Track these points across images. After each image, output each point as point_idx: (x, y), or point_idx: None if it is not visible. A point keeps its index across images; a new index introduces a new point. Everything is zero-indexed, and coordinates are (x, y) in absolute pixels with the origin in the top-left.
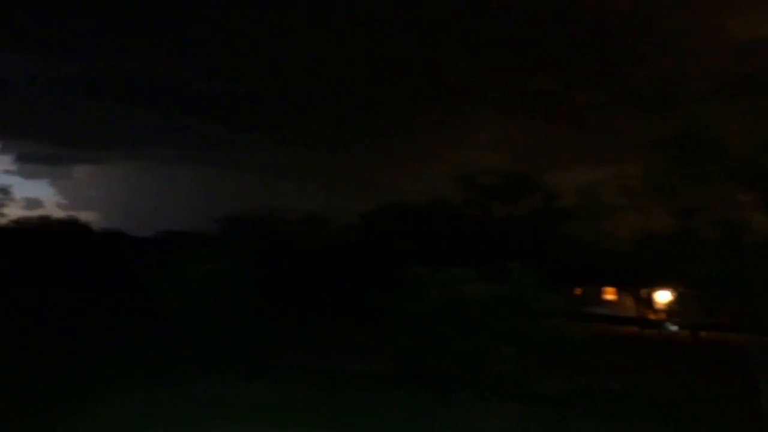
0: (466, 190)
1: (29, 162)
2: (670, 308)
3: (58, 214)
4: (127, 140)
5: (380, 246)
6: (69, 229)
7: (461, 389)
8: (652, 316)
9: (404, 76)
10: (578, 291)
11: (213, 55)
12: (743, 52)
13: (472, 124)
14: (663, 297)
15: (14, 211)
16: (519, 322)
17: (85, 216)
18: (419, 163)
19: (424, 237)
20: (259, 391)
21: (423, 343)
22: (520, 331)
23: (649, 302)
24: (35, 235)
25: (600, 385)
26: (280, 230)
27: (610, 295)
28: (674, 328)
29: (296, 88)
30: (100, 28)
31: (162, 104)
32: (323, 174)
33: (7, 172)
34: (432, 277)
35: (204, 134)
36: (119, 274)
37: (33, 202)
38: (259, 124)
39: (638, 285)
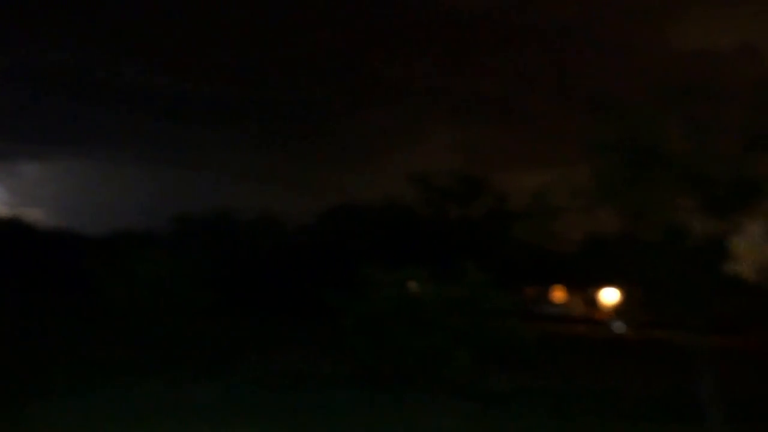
0: (420, 191)
1: None
2: (617, 308)
3: (3, 212)
4: (77, 137)
5: (335, 246)
6: (12, 227)
7: (415, 388)
8: (599, 316)
9: (360, 78)
10: (530, 291)
11: (166, 53)
12: (684, 62)
13: (427, 127)
14: (610, 297)
15: None
16: (471, 322)
17: (32, 214)
18: (375, 164)
19: (379, 237)
20: (210, 393)
21: (377, 343)
22: (473, 331)
23: (596, 302)
24: None
25: (549, 383)
26: (234, 230)
27: (560, 295)
28: (621, 326)
29: (252, 88)
30: (50, 20)
31: (114, 101)
32: (279, 174)
33: None
34: (386, 277)
35: (157, 133)
36: (67, 274)
37: None
38: (214, 123)
39: (587, 285)
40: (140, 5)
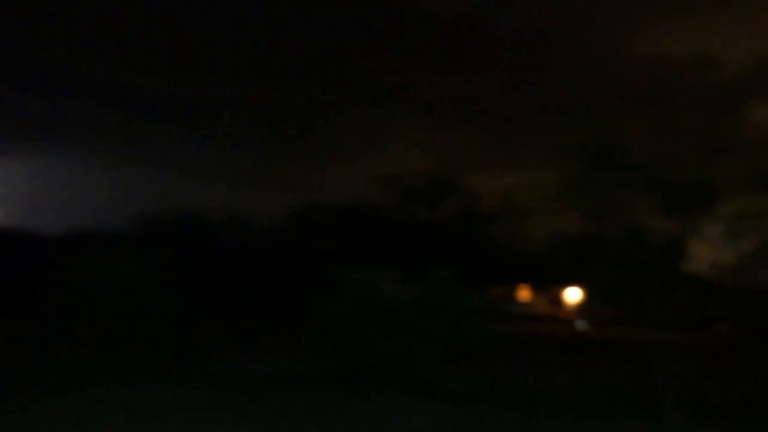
0: (389, 191)
1: None
2: (580, 306)
3: None
4: (35, 133)
5: (305, 247)
6: None
7: (384, 388)
8: (563, 314)
9: (329, 76)
10: (496, 291)
11: (130, 47)
12: (646, 68)
13: (396, 127)
14: (574, 295)
15: None
16: (440, 322)
17: None
18: (344, 163)
19: (349, 238)
20: (176, 396)
21: (346, 343)
22: (442, 331)
23: (560, 301)
24: None
25: (515, 381)
26: (201, 231)
27: (525, 294)
28: (583, 324)
29: (220, 86)
30: (6, 13)
31: (76, 96)
32: (247, 174)
33: None
34: (355, 277)
35: (121, 129)
36: (25, 276)
37: None
38: (180, 121)
39: (551, 284)
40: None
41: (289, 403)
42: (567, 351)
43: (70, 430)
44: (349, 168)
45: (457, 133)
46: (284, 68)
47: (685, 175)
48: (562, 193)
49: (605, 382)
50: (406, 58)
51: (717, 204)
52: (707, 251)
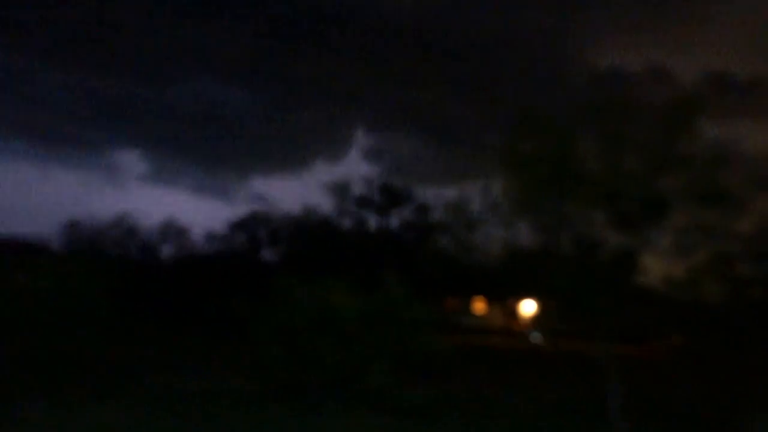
0: (339, 200)
1: None
2: (534, 319)
3: None
4: None
5: (248, 256)
6: None
7: (331, 402)
8: (518, 327)
9: (275, 80)
10: (450, 302)
11: (60, 43)
12: (602, 80)
13: (347, 135)
14: (528, 308)
15: None
16: (390, 334)
17: None
18: (292, 171)
19: (295, 247)
20: (106, 415)
21: (292, 356)
22: (391, 343)
23: (515, 313)
24: None
25: (465, 394)
26: (136, 238)
27: (480, 306)
28: (538, 337)
29: (159, 86)
30: None
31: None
32: (185, 180)
33: None
34: (302, 288)
35: (49, 130)
36: None
37: None
38: (114, 122)
39: (507, 297)
40: None
41: (232, 422)
42: (520, 363)
43: None
44: (298, 175)
45: (410, 142)
46: (230, 69)
47: (637, 188)
48: (514, 204)
49: (557, 394)
50: (359, 63)
51: (668, 217)
52: (659, 264)
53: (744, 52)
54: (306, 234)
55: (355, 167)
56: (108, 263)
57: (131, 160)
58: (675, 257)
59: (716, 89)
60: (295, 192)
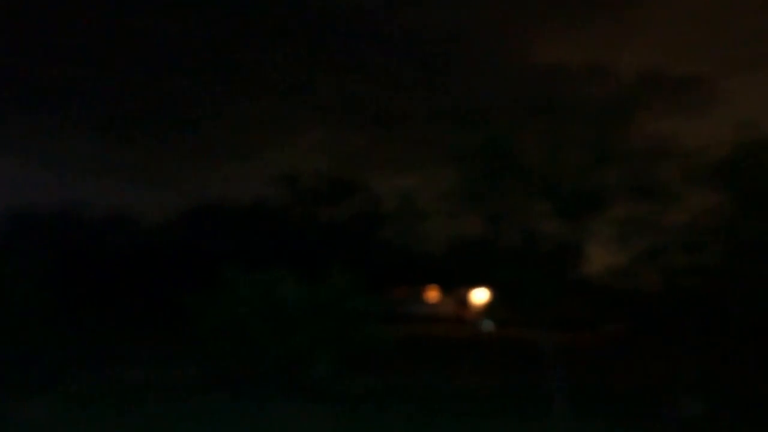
0: (287, 191)
1: None
2: (484, 307)
3: None
4: None
5: (194, 247)
6: None
7: (275, 392)
8: (469, 315)
9: (222, 69)
10: (401, 292)
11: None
12: (543, 75)
13: (295, 125)
14: (479, 297)
15: None
16: (335, 324)
17: None
18: (239, 161)
19: (243, 238)
20: (46, 408)
21: (236, 346)
22: (335, 334)
23: (467, 302)
24: None
25: (409, 383)
26: (79, 228)
27: (431, 295)
28: (489, 325)
29: (106, 73)
30: None
31: None
32: (131, 169)
33: None
34: (247, 279)
35: None
36: None
37: None
38: (59, 109)
39: (457, 286)
40: None
41: (175, 412)
42: (467, 352)
43: None
44: (246, 166)
45: (358, 133)
46: (174, 57)
47: (576, 181)
48: (460, 196)
49: (501, 381)
50: (308, 54)
51: (606, 210)
52: (600, 255)
53: (679, 50)
54: (254, 225)
55: (307, 158)
56: (52, 253)
57: (78, 149)
58: (615, 248)
59: (652, 86)
60: (244, 182)
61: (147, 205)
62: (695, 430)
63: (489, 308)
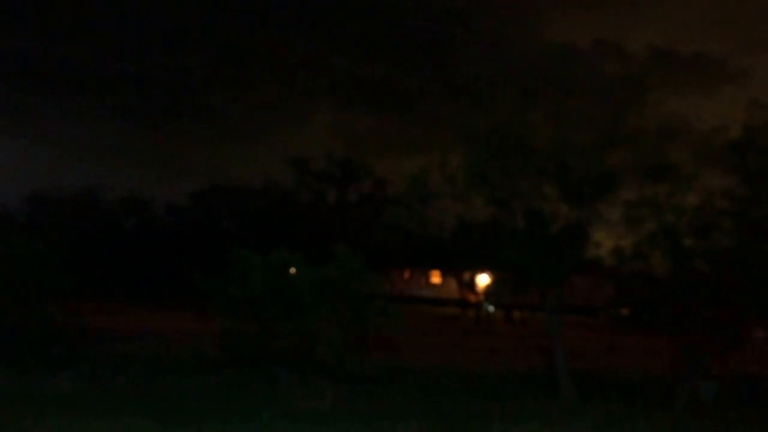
0: (298, 174)
1: None
2: (488, 290)
3: None
4: None
5: (207, 228)
6: None
7: (286, 371)
8: (472, 298)
9: (236, 52)
10: (406, 274)
11: (20, 10)
12: (552, 55)
13: (306, 108)
14: (483, 280)
15: None
16: (344, 305)
17: None
18: (251, 144)
19: (254, 220)
20: (69, 382)
21: (248, 326)
22: (345, 313)
23: (470, 285)
24: None
25: (418, 364)
26: (97, 210)
27: (435, 278)
28: (491, 308)
29: (122, 57)
30: None
31: None
32: (147, 152)
33: None
34: (258, 260)
35: (11, 102)
36: None
37: None
38: (78, 94)
39: (461, 269)
40: None
41: (186, 389)
42: (472, 333)
43: None
44: (259, 149)
45: (368, 116)
46: (189, 43)
47: (586, 162)
48: (469, 178)
49: (508, 365)
50: (317, 36)
51: (616, 191)
52: (609, 237)
53: (691, 28)
54: (265, 206)
55: (317, 141)
56: (71, 235)
57: (96, 133)
58: (624, 230)
59: (664, 65)
60: (256, 164)
61: (162, 188)
62: (710, 412)
63: (492, 291)
